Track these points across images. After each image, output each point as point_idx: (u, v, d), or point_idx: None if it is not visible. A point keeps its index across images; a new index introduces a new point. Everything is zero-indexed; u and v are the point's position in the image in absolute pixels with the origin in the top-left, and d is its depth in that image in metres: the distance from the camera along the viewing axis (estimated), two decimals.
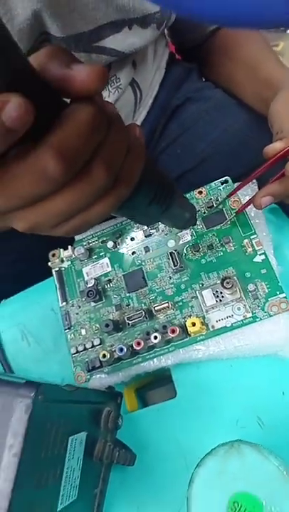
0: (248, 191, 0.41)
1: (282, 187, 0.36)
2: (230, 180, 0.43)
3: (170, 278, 0.41)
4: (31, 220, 0.21)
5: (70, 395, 0.31)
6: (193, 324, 0.37)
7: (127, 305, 0.41)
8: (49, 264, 0.45)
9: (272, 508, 0.25)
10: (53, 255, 0.46)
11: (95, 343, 0.40)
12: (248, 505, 0.26)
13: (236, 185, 0.42)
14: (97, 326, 0.41)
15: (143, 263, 0.43)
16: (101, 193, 0.22)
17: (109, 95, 0.48)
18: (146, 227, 0.44)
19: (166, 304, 0.39)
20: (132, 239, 0.44)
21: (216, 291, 0.38)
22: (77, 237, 0.46)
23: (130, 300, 0.41)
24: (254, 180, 0.42)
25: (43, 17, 0.36)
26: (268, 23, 0.14)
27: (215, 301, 0.38)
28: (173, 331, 0.37)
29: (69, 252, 0.45)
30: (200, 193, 0.44)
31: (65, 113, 0.19)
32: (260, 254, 0.38)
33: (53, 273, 0.45)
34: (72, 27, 0.39)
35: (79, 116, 0.19)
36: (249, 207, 0.41)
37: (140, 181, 0.24)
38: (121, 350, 0.38)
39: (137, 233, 0.44)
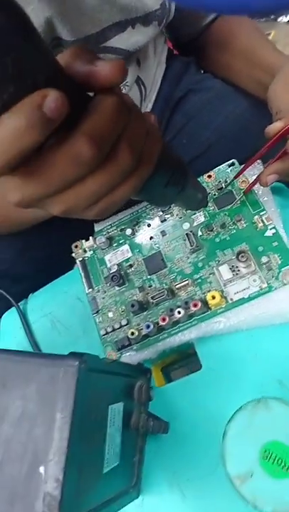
0: (254, 171, 0.44)
1: (285, 164, 0.38)
2: (236, 163, 0.46)
3: (188, 258, 0.44)
4: (66, 204, 0.24)
5: (108, 366, 0.34)
6: (213, 297, 0.39)
7: (149, 286, 0.44)
8: (72, 255, 0.48)
9: None
10: (76, 246, 0.49)
11: (123, 323, 0.43)
12: (278, 452, 0.29)
13: (242, 166, 0.44)
14: (123, 307, 0.44)
15: (161, 246, 0.45)
16: (126, 174, 0.24)
17: None
18: (161, 213, 0.46)
19: (187, 282, 0.42)
20: (149, 225, 0.47)
21: (232, 266, 0.41)
22: (96, 228, 0.49)
23: (152, 281, 0.44)
24: (259, 161, 0.45)
25: (54, 23, 0.39)
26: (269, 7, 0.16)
27: (232, 275, 0.41)
28: (195, 305, 0.39)
29: (90, 242, 0.48)
30: (209, 176, 0.46)
31: (93, 104, 0.21)
32: (270, 229, 0.41)
33: (77, 263, 0.48)
34: (81, 30, 0.42)
35: (106, 105, 0.21)
36: (256, 186, 0.43)
37: (158, 163, 0.27)
38: (148, 327, 0.40)
39: (153, 220, 0.47)
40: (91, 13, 0.41)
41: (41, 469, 0.26)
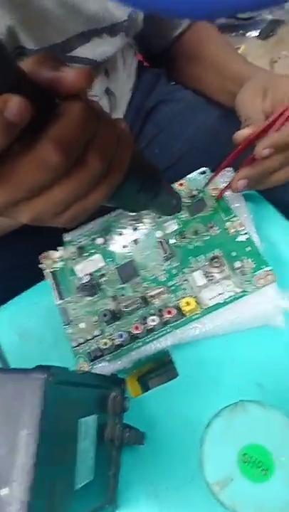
0: (225, 179, 0.44)
1: (255, 169, 0.39)
2: (208, 171, 0.46)
3: (161, 265, 0.43)
4: (35, 211, 0.23)
5: (78, 378, 0.33)
6: (188, 304, 0.39)
7: (122, 295, 0.43)
8: (40, 266, 0.47)
9: (279, 453, 0.27)
10: (45, 257, 0.47)
11: (95, 334, 0.42)
12: (257, 455, 0.28)
13: (213, 174, 0.44)
14: (96, 318, 0.43)
15: (134, 255, 0.45)
16: (96, 181, 0.24)
17: None
18: (133, 222, 0.46)
19: (161, 289, 0.41)
20: (121, 234, 0.46)
21: (206, 272, 0.41)
22: (66, 239, 0.48)
23: (125, 290, 0.43)
24: (230, 169, 0.45)
25: (16, 32, 0.39)
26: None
27: (206, 281, 0.40)
28: (169, 312, 0.39)
29: (60, 252, 0.47)
30: (181, 185, 0.46)
31: (60, 109, 0.21)
32: (243, 234, 0.41)
33: (46, 274, 0.46)
34: (46, 39, 0.41)
35: (73, 110, 0.21)
36: (229, 193, 0.44)
37: (129, 170, 0.26)
38: (121, 336, 0.39)
39: (125, 228, 0.46)
40: (56, 22, 0.41)
41: (4, 491, 0.24)
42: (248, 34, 1.64)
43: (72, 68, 0.21)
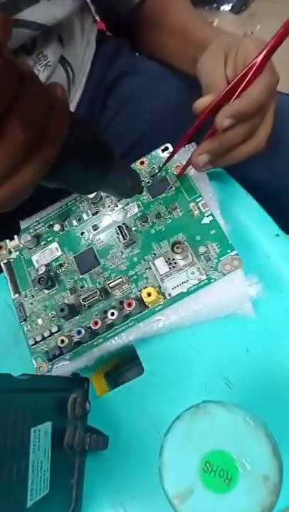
0: (188, 155, 0.40)
1: (216, 142, 0.35)
2: (170, 147, 0.42)
3: (122, 253, 0.40)
4: None
5: (25, 384, 0.30)
6: (149, 294, 0.36)
7: (82, 287, 0.40)
8: None
9: (243, 460, 0.25)
10: (0, 248, 0.44)
11: (53, 331, 0.39)
12: (219, 463, 0.26)
13: (173, 150, 0.41)
14: (53, 313, 0.40)
15: (93, 242, 0.41)
16: (22, 153, 0.21)
17: (39, 74, 0.46)
18: (92, 205, 0.42)
19: (121, 280, 0.38)
20: (79, 219, 0.42)
21: (169, 259, 0.37)
22: (22, 226, 0.44)
23: (84, 282, 0.40)
24: (194, 144, 0.41)
25: None
26: None
27: (168, 269, 0.37)
28: (129, 305, 0.36)
29: (15, 241, 0.43)
30: (142, 163, 0.43)
31: None
32: (207, 216, 0.38)
33: (2, 266, 0.43)
34: None
35: None
36: (193, 172, 0.40)
37: (70, 143, 0.23)
38: (79, 332, 0.36)
39: (84, 213, 0.42)
40: None
41: None
42: (221, 8, 1.58)
43: None
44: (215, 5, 1.60)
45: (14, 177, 0.21)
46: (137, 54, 0.61)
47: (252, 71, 0.32)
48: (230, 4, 1.56)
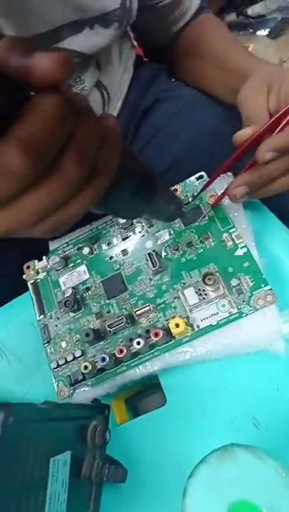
0: (223, 184, 0.40)
1: (255, 175, 0.34)
2: (205, 175, 0.42)
3: (150, 280, 0.39)
4: (6, 222, 0.20)
5: (47, 413, 0.29)
6: (177, 325, 0.35)
7: (108, 312, 0.39)
8: (24, 277, 0.43)
9: None
10: (28, 267, 0.44)
11: (77, 355, 0.38)
12: None
13: (209, 179, 0.40)
14: (78, 336, 0.39)
15: (121, 267, 0.41)
16: (76, 187, 0.21)
17: None
18: (122, 230, 0.42)
19: (148, 307, 0.38)
20: (109, 243, 0.42)
21: (199, 289, 0.36)
22: (51, 247, 0.44)
23: (110, 307, 0.39)
24: (230, 173, 0.41)
25: None
26: None
27: (198, 300, 0.36)
28: (156, 335, 0.35)
29: (44, 262, 0.43)
30: (175, 190, 0.42)
31: (30, 105, 0.17)
32: (241, 248, 0.37)
33: (29, 286, 0.43)
34: (29, 28, 0.38)
35: (43, 107, 0.17)
36: (227, 201, 0.39)
37: (120, 173, 0.23)
38: (103, 359, 0.36)
39: (114, 237, 0.42)
40: (41, 10, 0.37)
41: None
42: (257, 33, 1.59)
43: (47, 54, 0.17)
44: (251, 30, 1.62)
45: (66, 207, 0.21)
46: (174, 80, 0.62)
47: None
48: (267, 30, 1.57)
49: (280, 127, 0.32)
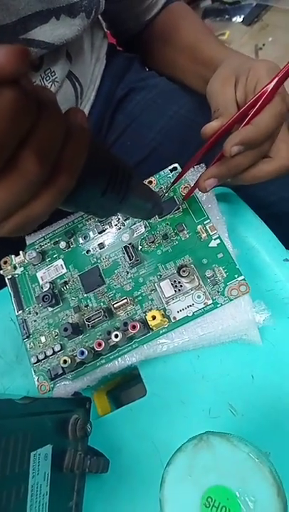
0: (197, 176, 0.40)
1: (224, 168, 0.34)
2: (179, 167, 0.42)
3: (127, 273, 0.39)
4: None
5: (26, 408, 0.29)
6: (154, 317, 0.35)
7: (86, 306, 0.40)
8: (1, 272, 0.43)
9: (246, 498, 0.24)
10: (5, 262, 0.43)
11: (56, 349, 0.38)
12: (222, 499, 0.25)
13: (181, 171, 0.40)
14: (57, 331, 0.39)
15: (98, 260, 0.41)
16: (36, 186, 0.20)
17: None
18: (98, 224, 0.42)
19: (126, 300, 0.38)
20: (86, 237, 0.42)
21: (174, 281, 0.37)
22: (28, 241, 0.44)
23: (88, 300, 0.40)
24: (203, 165, 0.41)
25: None
26: None
27: (174, 292, 0.37)
28: (133, 327, 0.35)
29: (21, 257, 0.43)
30: (150, 182, 0.42)
31: None
32: (214, 239, 0.37)
33: (6, 281, 0.43)
34: None
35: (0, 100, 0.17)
36: (201, 193, 0.40)
37: (88, 169, 0.22)
38: (82, 353, 0.36)
39: (90, 231, 0.42)
40: (5, 1, 0.36)
41: None
42: (233, 19, 1.57)
43: (3, 47, 0.17)
44: (227, 16, 1.60)
45: (28, 207, 0.21)
46: (147, 69, 0.61)
47: (262, 98, 0.32)
48: (242, 16, 1.56)
49: (246, 120, 0.32)
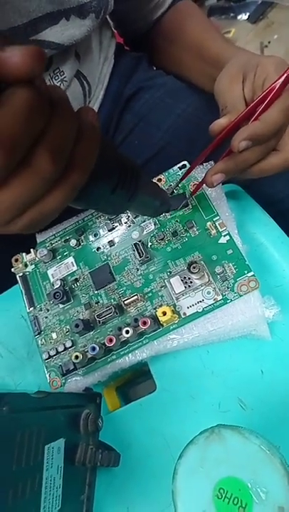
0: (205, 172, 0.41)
1: (232, 163, 0.35)
2: (188, 164, 0.43)
3: (137, 270, 0.40)
4: None
5: (40, 402, 0.30)
6: (164, 313, 0.36)
7: (97, 302, 0.40)
8: (12, 270, 0.44)
9: (257, 489, 0.25)
10: (16, 260, 0.44)
11: (67, 346, 0.39)
12: (233, 490, 0.25)
13: (189, 168, 0.41)
14: (68, 327, 0.40)
15: (109, 258, 0.41)
16: (50, 183, 0.21)
17: None
18: (108, 221, 0.43)
19: (136, 297, 0.38)
20: (96, 234, 0.43)
21: (184, 278, 0.37)
22: (39, 239, 0.45)
23: (99, 297, 0.40)
24: (211, 162, 0.41)
25: None
26: None
27: (184, 288, 0.37)
28: (144, 323, 0.36)
29: (32, 255, 0.44)
30: (159, 180, 0.43)
31: (1, 99, 0.17)
32: (224, 236, 0.38)
33: (18, 278, 0.43)
34: (5, 21, 0.37)
35: (14, 101, 0.17)
36: (210, 190, 0.40)
37: (99, 168, 0.23)
38: (93, 349, 0.37)
39: (100, 228, 0.43)
40: (17, 2, 0.37)
41: None
42: (238, 17, 1.57)
43: (20, 47, 0.17)
44: (232, 14, 1.60)
45: (41, 203, 0.21)
46: (155, 68, 0.62)
47: (271, 94, 0.32)
48: (248, 13, 1.56)
49: (255, 116, 0.33)
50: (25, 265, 0.44)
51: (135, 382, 0.46)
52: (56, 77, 0.47)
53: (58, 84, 0.46)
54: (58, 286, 0.41)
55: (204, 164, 0.41)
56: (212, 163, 0.41)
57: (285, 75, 0.32)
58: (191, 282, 0.37)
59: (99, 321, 0.38)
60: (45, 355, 0.40)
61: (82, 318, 0.39)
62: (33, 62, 0.17)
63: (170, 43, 0.55)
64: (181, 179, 0.40)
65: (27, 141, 0.19)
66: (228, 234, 0.38)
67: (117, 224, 0.42)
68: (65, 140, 0.20)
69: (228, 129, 0.35)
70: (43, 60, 0.17)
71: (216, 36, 0.51)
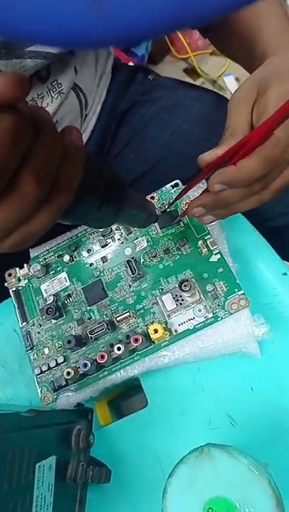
0: (199, 192, 0.41)
1: (210, 199, 0.32)
2: (180, 184, 0.43)
3: (130, 286, 0.40)
4: None
5: (32, 421, 0.30)
6: (156, 331, 0.36)
7: (89, 318, 0.40)
8: (6, 284, 0.44)
9: (246, 509, 0.25)
10: (9, 275, 0.44)
11: (59, 361, 0.39)
12: (222, 510, 0.26)
13: (183, 188, 0.41)
14: (60, 343, 0.40)
15: (101, 274, 0.42)
16: (36, 205, 0.21)
17: (52, 101, 0.47)
18: (102, 237, 0.43)
19: (128, 313, 0.39)
20: (89, 250, 0.43)
21: (176, 295, 0.38)
22: (32, 254, 0.45)
23: (92, 313, 0.41)
24: (204, 181, 0.42)
25: None
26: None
27: (175, 305, 0.38)
28: (136, 340, 0.36)
29: (25, 270, 0.44)
30: (152, 198, 0.43)
31: None
32: (215, 254, 0.38)
33: (11, 293, 0.44)
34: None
35: None
36: None
37: (84, 186, 0.23)
38: (85, 365, 0.37)
39: (93, 244, 0.43)
40: None
41: None
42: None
43: (1, 74, 0.18)
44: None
45: (27, 224, 0.22)
46: (150, 79, 0.62)
47: (253, 138, 0.28)
48: None
49: (234, 159, 0.29)
50: (19, 280, 0.44)
51: (127, 395, 0.47)
52: (54, 89, 0.47)
53: (56, 96, 0.47)
54: (50, 302, 0.41)
55: (199, 184, 0.42)
56: (204, 182, 0.42)
57: (269, 121, 0.27)
58: (182, 300, 0.38)
59: (91, 337, 0.39)
60: (37, 371, 0.40)
61: (74, 334, 0.40)
62: (15, 88, 0.17)
63: (218, 30, 0.47)
64: (173, 201, 0.40)
65: (11, 165, 0.19)
66: (219, 252, 0.38)
67: (110, 240, 0.43)
68: (50, 163, 0.21)
69: (216, 162, 0.31)
70: (26, 85, 0.18)
71: (270, 23, 0.40)
